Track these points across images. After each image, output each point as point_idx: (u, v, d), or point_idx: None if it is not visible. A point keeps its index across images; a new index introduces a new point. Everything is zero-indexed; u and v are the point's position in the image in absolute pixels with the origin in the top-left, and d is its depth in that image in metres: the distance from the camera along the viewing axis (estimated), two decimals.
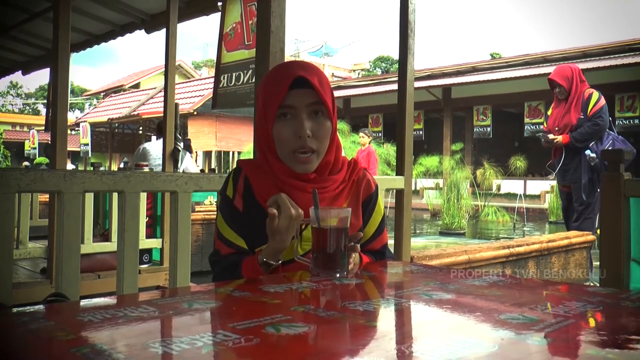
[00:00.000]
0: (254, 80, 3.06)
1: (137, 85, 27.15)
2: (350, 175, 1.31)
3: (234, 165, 1.49)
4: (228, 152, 19.82)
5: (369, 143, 8.09)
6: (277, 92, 1.18)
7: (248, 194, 1.25)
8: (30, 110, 45.08)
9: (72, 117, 27.68)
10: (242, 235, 1.24)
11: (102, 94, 29.86)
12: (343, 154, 1.36)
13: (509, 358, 0.64)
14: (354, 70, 32.75)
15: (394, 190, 2.55)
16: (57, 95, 3.32)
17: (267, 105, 1.21)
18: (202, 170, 16.19)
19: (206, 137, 18.85)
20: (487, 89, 15.16)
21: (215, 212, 1.33)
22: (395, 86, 2.75)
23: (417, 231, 9.57)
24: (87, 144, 18.91)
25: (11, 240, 1.57)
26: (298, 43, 37.57)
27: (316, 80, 1.18)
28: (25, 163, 19.71)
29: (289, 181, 1.22)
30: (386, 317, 0.88)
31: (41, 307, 0.89)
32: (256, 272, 1.16)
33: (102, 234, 3.62)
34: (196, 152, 18.84)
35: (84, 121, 20.89)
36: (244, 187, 1.26)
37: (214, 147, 19.09)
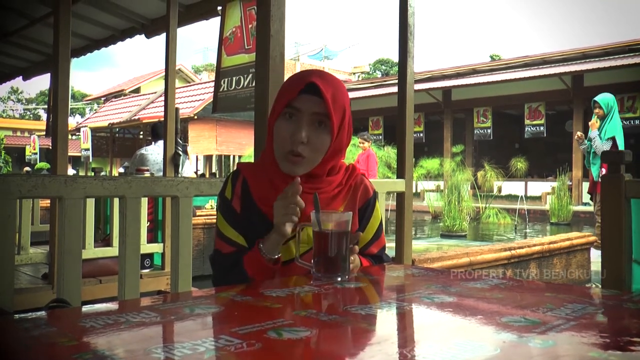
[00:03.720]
0: (254, 84, 3.06)
1: (137, 90, 27.19)
2: (347, 179, 1.31)
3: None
4: (229, 156, 19.85)
5: (369, 146, 8.10)
6: (289, 91, 1.21)
7: (246, 197, 1.26)
8: (31, 115, 45.14)
9: (72, 122, 27.74)
10: (242, 234, 1.25)
11: (102, 98, 29.89)
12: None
13: None
14: (354, 73, 32.76)
15: (395, 193, 2.55)
16: (57, 101, 3.32)
17: (277, 101, 1.24)
18: (202, 175, 16.21)
19: (207, 141, 18.88)
20: (487, 91, 15.16)
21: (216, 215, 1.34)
22: (395, 89, 2.75)
23: (418, 234, 9.56)
24: (87, 149, 18.94)
25: (12, 245, 1.57)
26: (298, 46, 37.59)
27: (330, 93, 1.18)
28: (27, 168, 19.76)
29: (285, 180, 1.21)
30: (388, 320, 0.87)
31: (43, 313, 0.89)
32: (259, 263, 1.17)
33: (103, 239, 3.61)
34: (196, 156, 18.86)
35: (85, 126, 20.93)
36: (242, 191, 1.27)
37: (215, 151, 19.12)
